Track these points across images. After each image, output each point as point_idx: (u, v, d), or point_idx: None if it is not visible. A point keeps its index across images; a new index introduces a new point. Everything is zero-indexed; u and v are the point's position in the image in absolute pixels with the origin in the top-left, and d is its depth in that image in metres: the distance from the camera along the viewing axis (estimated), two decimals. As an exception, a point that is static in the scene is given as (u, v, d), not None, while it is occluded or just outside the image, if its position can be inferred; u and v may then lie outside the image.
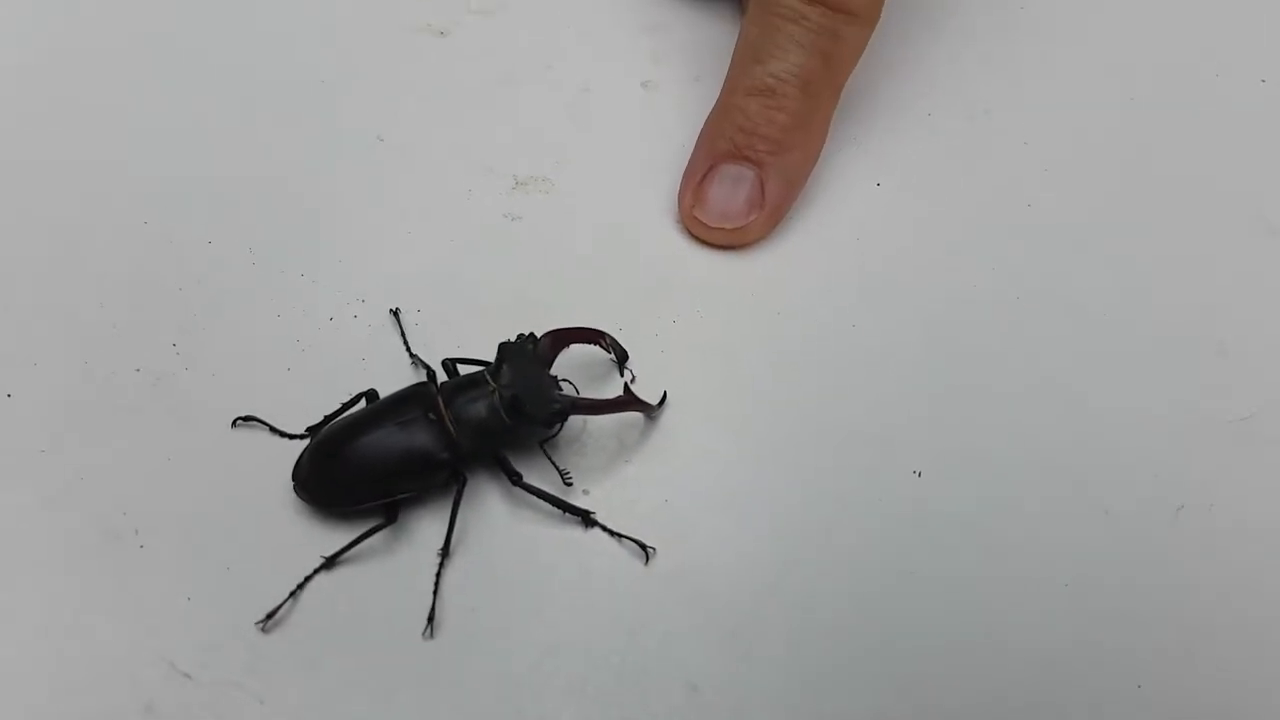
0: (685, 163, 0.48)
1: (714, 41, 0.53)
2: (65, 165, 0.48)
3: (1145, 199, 0.49)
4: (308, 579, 0.38)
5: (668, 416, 0.42)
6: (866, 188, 0.49)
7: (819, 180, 0.48)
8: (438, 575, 0.38)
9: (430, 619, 0.37)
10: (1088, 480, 0.41)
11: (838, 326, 0.45)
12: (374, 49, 0.53)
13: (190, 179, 0.48)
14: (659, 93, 0.52)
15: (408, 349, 0.43)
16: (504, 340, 0.40)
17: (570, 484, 0.40)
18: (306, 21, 0.53)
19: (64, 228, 0.46)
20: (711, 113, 0.48)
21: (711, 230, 0.46)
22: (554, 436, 0.40)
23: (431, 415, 0.39)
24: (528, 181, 0.49)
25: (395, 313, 0.44)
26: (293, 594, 0.37)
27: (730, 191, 0.46)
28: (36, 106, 0.50)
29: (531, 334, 0.40)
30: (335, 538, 0.38)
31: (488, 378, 0.40)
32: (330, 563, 0.38)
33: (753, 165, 0.46)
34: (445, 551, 0.38)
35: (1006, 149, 0.50)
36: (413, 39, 0.53)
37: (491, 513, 0.40)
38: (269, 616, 0.37)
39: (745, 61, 0.47)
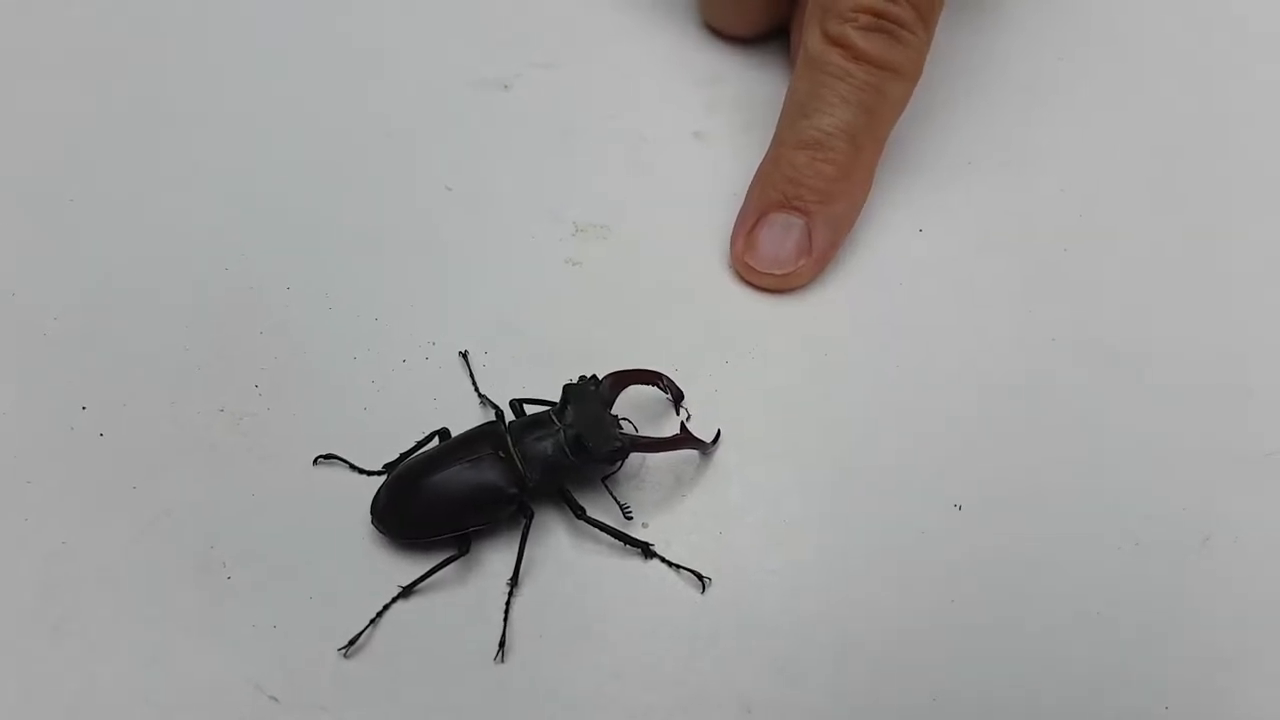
0: (736, 210, 0.52)
1: (764, 93, 0.57)
2: (148, 212, 0.53)
3: (1176, 243, 0.53)
4: (386, 607, 0.41)
5: (721, 453, 0.46)
6: (909, 234, 0.53)
7: (863, 226, 0.52)
8: (507, 603, 0.42)
9: (501, 644, 0.41)
10: (1119, 513, 0.45)
11: (881, 366, 0.49)
12: (441, 103, 0.57)
13: (268, 227, 0.53)
14: (711, 142, 0.56)
15: (476, 389, 0.47)
16: (568, 382, 0.44)
17: (630, 517, 0.44)
18: (377, 77, 0.58)
19: (149, 274, 0.51)
20: (762, 163, 0.52)
21: (761, 275, 0.50)
22: (615, 473, 0.44)
23: (501, 453, 0.43)
24: (587, 228, 0.53)
25: (464, 355, 0.48)
26: (372, 622, 0.41)
27: (780, 239, 0.50)
28: (118, 154, 0.55)
29: (594, 376, 0.44)
30: (411, 568, 0.42)
31: (553, 417, 0.44)
32: (407, 592, 0.42)
33: (801, 215, 0.50)
34: (514, 581, 0.42)
35: (1043, 195, 0.54)
36: (477, 93, 0.58)
37: (557, 545, 0.43)
38: (351, 643, 0.41)
39: (793, 116, 0.51)
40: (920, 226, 0.53)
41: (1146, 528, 0.44)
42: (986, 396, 0.48)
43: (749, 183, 0.52)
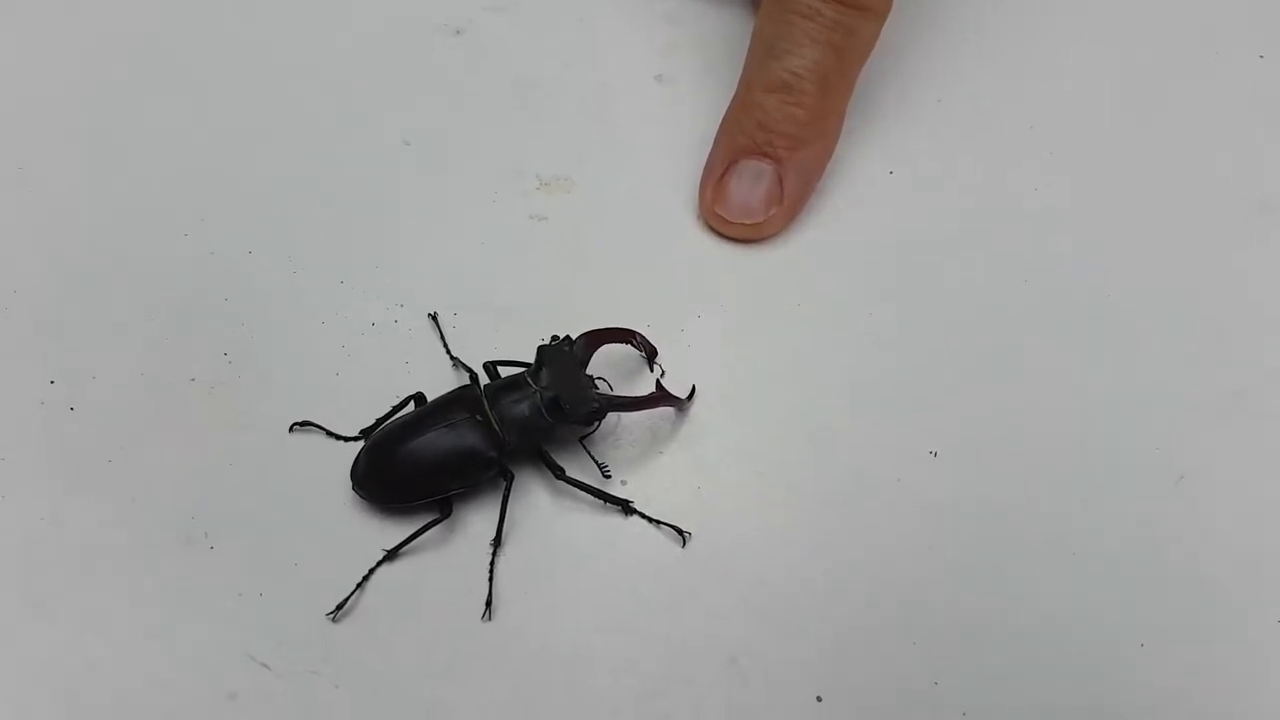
0: (703, 156, 0.52)
1: (725, 32, 0.57)
2: (101, 179, 0.53)
3: (1144, 179, 0.54)
4: (372, 571, 0.43)
5: (696, 409, 0.47)
6: (879, 176, 0.54)
7: (833, 170, 0.53)
8: (491, 564, 0.43)
9: (488, 604, 0.42)
10: (1093, 455, 0.46)
11: (854, 314, 0.50)
12: (393, 50, 0.57)
13: (224, 190, 0.52)
14: (674, 86, 0.56)
15: (448, 352, 0.48)
16: (542, 343, 0.45)
17: (609, 476, 0.45)
18: (328, 26, 0.58)
19: (106, 242, 0.51)
20: (729, 109, 0.52)
21: (732, 225, 0.51)
22: (592, 432, 0.45)
23: (479, 417, 0.44)
24: (551, 182, 0.53)
25: (434, 316, 0.49)
26: (359, 586, 0.42)
27: (750, 188, 0.50)
28: (70, 124, 0.54)
29: (568, 336, 0.45)
30: (394, 532, 0.43)
31: (529, 379, 0.44)
32: (391, 555, 0.43)
33: (771, 161, 0.50)
34: (497, 542, 0.43)
35: (1013, 134, 0.55)
36: (430, 39, 0.57)
37: (537, 505, 0.45)
38: (339, 608, 0.42)
39: (761, 57, 0.51)
40: (890, 169, 0.54)
41: (1120, 468, 0.46)
42: (960, 342, 0.49)
43: (715, 128, 0.52)
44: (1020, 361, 0.49)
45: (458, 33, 0.58)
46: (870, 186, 0.53)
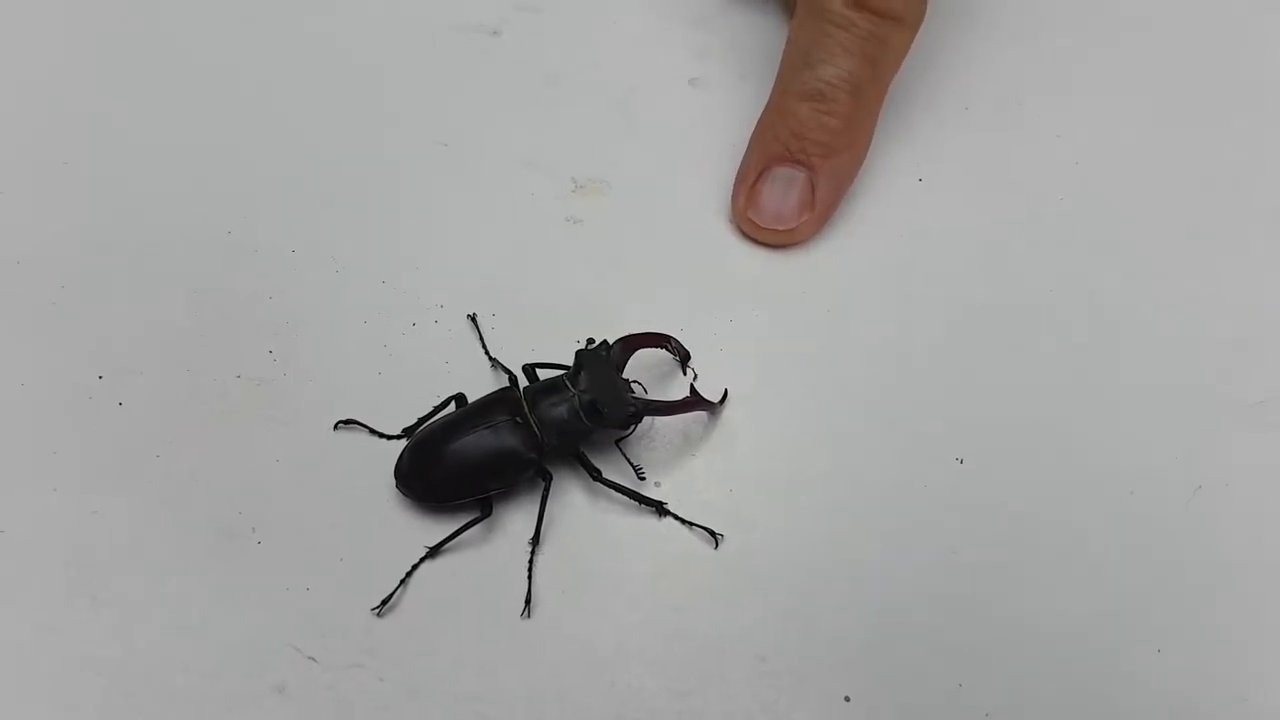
0: (736, 161, 0.53)
1: (756, 37, 0.58)
2: (147, 177, 0.54)
3: (1170, 188, 0.55)
4: (415, 567, 0.44)
5: (728, 412, 0.48)
6: (908, 183, 0.55)
7: (863, 177, 0.54)
8: (530, 562, 0.45)
9: (527, 601, 0.44)
10: (1115, 463, 0.48)
11: (884, 320, 0.51)
12: (429, 50, 0.58)
13: (268, 190, 0.54)
14: (707, 90, 0.57)
15: (486, 353, 0.49)
16: (580, 347, 0.47)
17: (643, 478, 0.47)
18: (365, 26, 0.59)
19: (150, 239, 0.52)
20: (763, 115, 0.53)
21: (764, 231, 0.52)
22: (628, 435, 0.47)
23: (518, 419, 0.45)
24: (586, 185, 0.54)
25: (473, 318, 0.50)
26: (402, 582, 0.44)
27: (782, 194, 0.52)
28: (116, 123, 0.56)
29: (605, 341, 0.47)
30: (435, 529, 0.45)
31: (567, 383, 0.46)
32: (434, 552, 0.44)
33: (804, 168, 0.51)
34: (536, 541, 0.45)
35: (1040, 142, 0.56)
36: (466, 39, 0.58)
37: (574, 505, 0.46)
38: (384, 603, 0.44)
39: (795, 66, 0.52)
40: (920, 176, 0.55)
41: (1141, 477, 0.47)
42: (986, 349, 0.50)
43: (748, 133, 0.54)
44: (1045, 370, 0.50)
45: (494, 33, 0.59)
46: (900, 193, 0.54)
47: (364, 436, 0.47)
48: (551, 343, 0.49)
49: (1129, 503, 0.47)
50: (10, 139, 0.55)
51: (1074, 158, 0.56)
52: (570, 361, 0.47)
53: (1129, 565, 0.46)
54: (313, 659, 0.43)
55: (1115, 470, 0.48)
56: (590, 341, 0.47)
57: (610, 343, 0.47)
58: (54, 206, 0.53)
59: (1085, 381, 0.50)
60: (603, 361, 0.46)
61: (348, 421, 0.47)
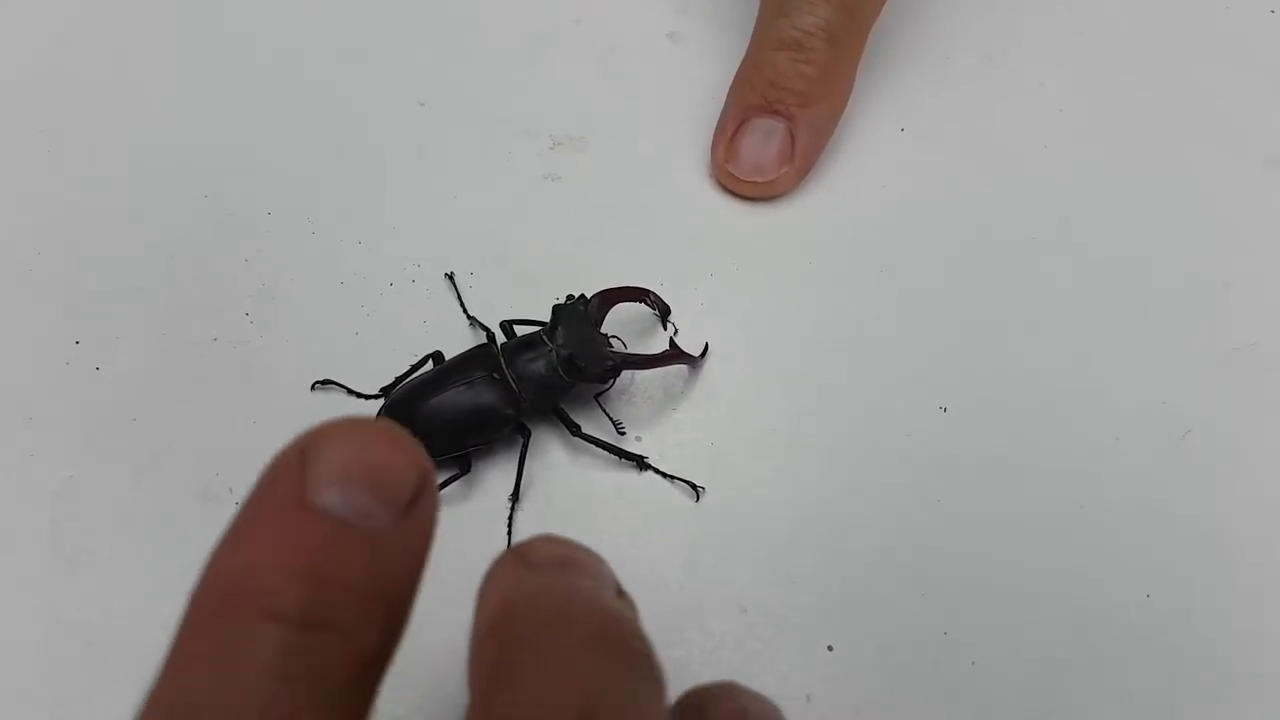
0: (715, 115, 0.53)
1: (737, -11, 0.58)
2: (119, 141, 0.54)
3: (1152, 136, 0.55)
4: (394, 526, 0.44)
5: (709, 366, 0.48)
6: (890, 133, 0.54)
7: (844, 128, 0.54)
8: (510, 518, 0.45)
9: (506, 558, 0.44)
10: (1101, 410, 0.48)
11: (867, 271, 0.51)
12: (404, 9, 0.58)
13: (241, 151, 0.53)
14: (686, 44, 0.57)
15: (465, 311, 0.49)
16: (557, 302, 0.46)
17: (623, 432, 0.46)
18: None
19: (125, 204, 0.52)
20: (740, 67, 0.53)
21: (744, 183, 0.52)
22: (607, 390, 0.47)
23: (495, 375, 0.45)
24: (564, 141, 0.54)
25: (450, 276, 0.50)
26: (381, 540, 0.44)
27: (761, 145, 0.51)
28: (90, 89, 0.55)
29: (582, 295, 0.47)
30: (414, 488, 0.45)
31: (544, 338, 0.46)
32: (412, 511, 0.45)
33: (782, 119, 0.51)
34: (515, 497, 0.45)
35: (1023, 90, 0.56)
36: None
37: (554, 462, 0.46)
38: (361, 560, 0.44)
39: (771, 15, 0.51)
40: (901, 126, 0.55)
41: (1127, 423, 0.47)
42: (970, 299, 0.50)
43: (727, 87, 0.53)
44: (1029, 318, 0.50)
45: (467, -11, 0.59)
46: (881, 144, 0.54)
47: (342, 396, 0.47)
48: (531, 301, 0.49)
49: (1116, 449, 0.47)
50: (-19, 106, 0.55)
51: (1058, 105, 0.55)
52: (548, 317, 0.47)
53: (1116, 511, 0.46)
54: (292, 618, 0.43)
55: (1101, 416, 0.47)
56: (570, 298, 0.47)
57: (588, 297, 0.47)
58: (29, 173, 0.53)
59: (1070, 327, 0.49)
60: (580, 316, 0.46)
61: (325, 382, 0.47)
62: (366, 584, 0.23)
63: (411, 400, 0.46)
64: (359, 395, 0.47)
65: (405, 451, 0.25)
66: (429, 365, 0.47)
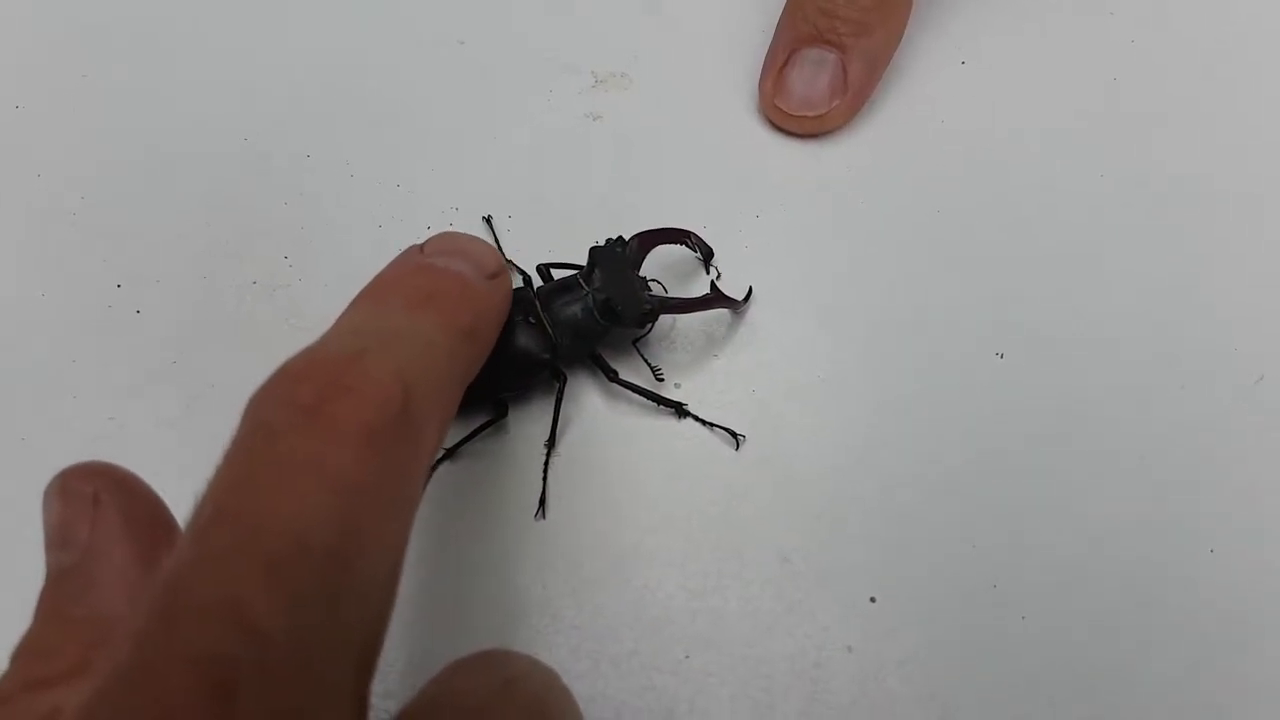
0: (764, 49, 0.52)
1: (790, -83, 0.56)
2: (160, 85, 0.55)
3: (1229, 67, 0.52)
4: (433, 469, 0.45)
5: (753, 310, 0.48)
6: (950, 65, 0.53)
7: (901, 61, 0.52)
8: (545, 464, 0.45)
9: (541, 503, 0.44)
10: (1168, 356, 0.46)
11: (921, 212, 0.50)
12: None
13: (282, 94, 0.54)
14: (734, -27, 0.56)
15: (502, 255, 0.49)
16: (594, 245, 0.46)
17: (662, 379, 0.46)
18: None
19: (166, 148, 0.53)
20: (790, -4, 0.52)
21: (793, 119, 0.51)
22: (645, 335, 0.46)
23: (531, 319, 0.45)
24: (607, 79, 0.53)
25: (488, 220, 0.50)
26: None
27: (812, 77, 0.50)
28: (130, 34, 0.56)
29: (620, 237, 0.46)
30: (451, 433, 0.45)
31: (581, 282, 0.46)
32: (450, 454, 0.45)
33: (834, 49, 0.50)
34: (551, 443, 0.45)
35: (1093, 19, 0.54)
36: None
37: (592, 407, 0.46)
38: (398, 504, 0.44)
39: (824, -62, 0.50)
40: (962, 58, 0.53)
41: (1197, 370, 0.46)
42: (1032, 238, 0.49)
43: (776, 17, 0.52)
44: (1093, 260, 0.48)
45: (510, -75, 0.58)
46: (940, 77, 0.53)
47: (379, 341, 0.48)
48: (570, 244, 0.49)
49: (1180, 396, 0.45)
50: (28, 54, 0.56)
51: (1129, 36, 0.53)
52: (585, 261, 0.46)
53: (1181, 462, 0.44)
54: (329, 562, 0.44)
55: (1167, 362, 0.46)
56: (608, 240, 0.46)
57: (625, 239, 0.46)
58: (72, 119, 0.54)
59: (1135, 270, 0.48)
60: (618, 258, 0.46)
61: (362, 326, 0.48)
62: (469, 319, 0.34)
63: (447, 344, 0.46)
64: (396, 339, 0.47)
65: (486, 245, 0.37)
66: (466, 309, 0.47)
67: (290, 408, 0.28)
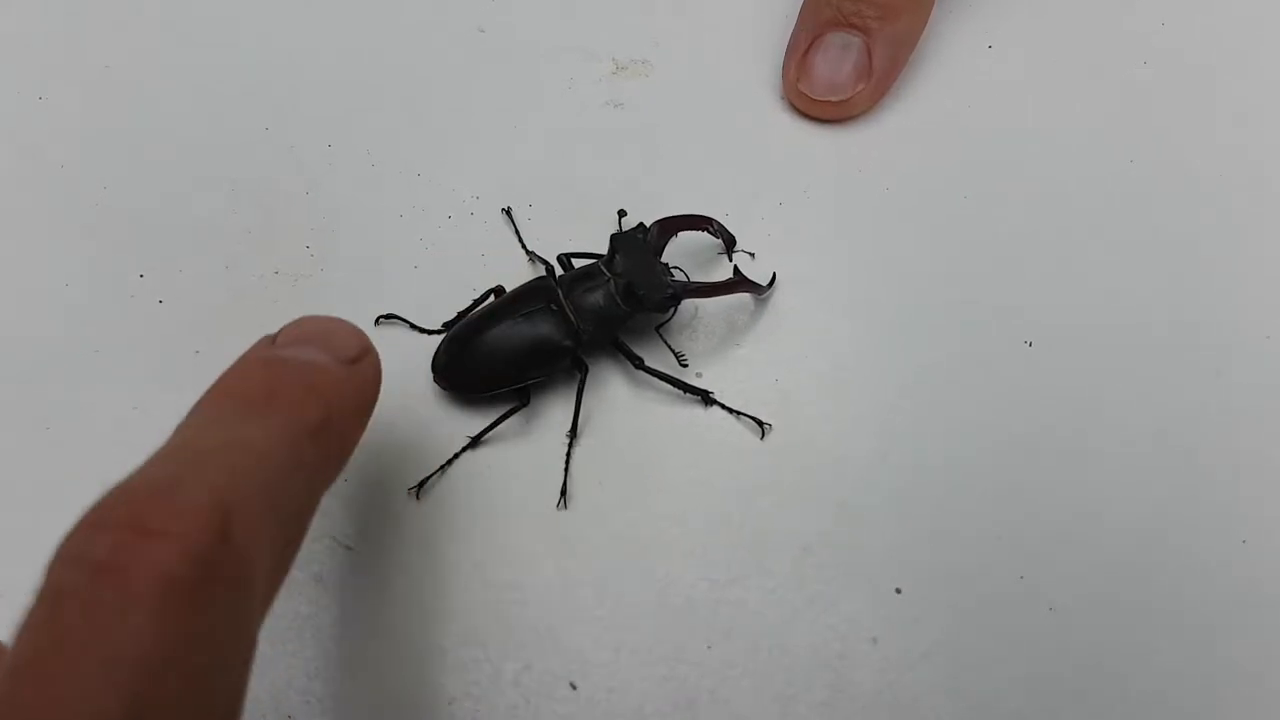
0: (787, 33, 0.52)
1: (814, -100, 0.56)
2: (183, 75, 0.55)
3: (1267, 50, 0.51)
4: (456, 456, 0.45)
5: (776, 299, 0.48)
6: (977, 50, 0.53)
7: (927, 45, 0.52)
8: (568, 453, 0.45)
9: (563, 492, 0.44)
10: (1201, 343, 0.46)
11: (947, 198, 0.50)
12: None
13: (303, 84, 0.54)
14: (758, -40, 0.56)
15: (523, 245, 0.49)
16: (615, 231, 0.46)
17: (685, 366, 0.46)
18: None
19: (188, 138, 0.53)
20: (814, -20, 0.51)
21: (817, 104, 0.50)
22: (668, 321, 0.46)
23: (553, 306, 0.45)
24: (627, 65, 0.53)
25: (508, 211, 0.50)
26: (442, 468, 0.45)
27: (836, 62, 0.50)
28: (153, 23, 0.57)
29: (641, 224, 0.46)
30: (471, 422, 0.46)
31: (602, 268, 0.46)
32: (475, 442, 0.45)
33: (859, 33, 0.49)
34: (573, 432, 0.45)
35: (1121, 3, 0.53)
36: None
37: (615, 396, 0.46)
38: (420, 485, 0.45)
39: (848, -79, 0.50)
40: (989, 42, 0.53)
41: (1230, 358, 0.45)
42: (1061, 223, 0.48)
43: (800, 1, 0.52)
44: (1122, 247, 0.48)
45: (531, -88, 0.58)
46: (967, 62, 0.52)
47: (404, 331, 0.48)
48: (591, 233, 0.49)
49: (1214, 385, 0.45)
50: (52, 46, 0.56)
51: (1159, 19, 0.52)
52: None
53: (1214, 451, 0.44)
54: (349, 548, 0.44)
55: (1201, 351, 0.46)
56: (629, 227, 0.47)
57: (646, 225, 0.46)
58: (96, 110, 0.55)
59: (1167, 257, 0.47)
60: (639, 244, 0.46)
61: (388, 316, 0.48)
62: (317, 414, 0.32)
63: (468, 334, 0.46)
64: (421, 330, 0.48)
65: (347, 326, 0.35)
66: (490, 299, 0.48)
67: (79, 567, 0.25)
